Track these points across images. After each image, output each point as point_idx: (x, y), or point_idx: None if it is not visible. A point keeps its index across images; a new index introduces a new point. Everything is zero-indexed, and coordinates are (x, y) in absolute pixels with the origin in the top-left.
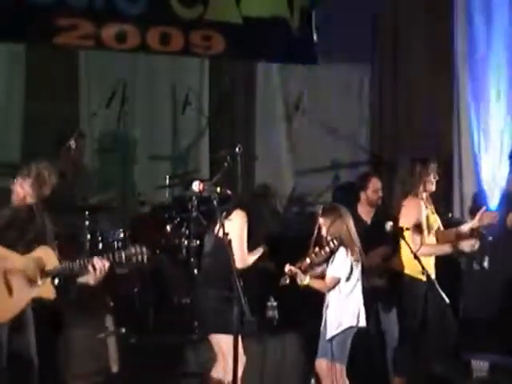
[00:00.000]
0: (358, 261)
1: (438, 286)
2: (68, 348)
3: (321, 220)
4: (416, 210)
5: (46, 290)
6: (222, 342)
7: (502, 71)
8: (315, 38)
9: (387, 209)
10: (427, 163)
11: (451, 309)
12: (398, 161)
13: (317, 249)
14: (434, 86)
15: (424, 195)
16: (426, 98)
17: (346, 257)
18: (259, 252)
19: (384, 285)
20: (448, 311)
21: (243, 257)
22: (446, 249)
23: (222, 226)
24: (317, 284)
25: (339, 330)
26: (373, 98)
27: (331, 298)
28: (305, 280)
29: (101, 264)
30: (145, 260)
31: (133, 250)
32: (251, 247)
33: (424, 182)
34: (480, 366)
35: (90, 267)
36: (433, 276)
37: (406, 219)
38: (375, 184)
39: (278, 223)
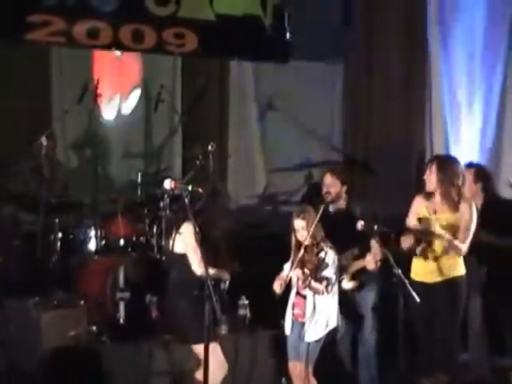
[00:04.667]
0: (338, 260)
1: (408, 285)
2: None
3: (296, 223)
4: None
5: None
6: (201, 351)
7: (476, 70)
8: (288, 36)
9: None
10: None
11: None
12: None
13: (303, 252)
14: (407, 85)
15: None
16: (400, 96)
17: (334, 256)
18: (223, 274)
19: (356, 286)
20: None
21: (199, 263)
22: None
23: (176, 238)
24: (317, 287)
25: (325, 332)
26: (346, 97)
27: (318, 300)
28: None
29: None
30: None
31: None
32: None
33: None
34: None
35: None
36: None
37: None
38: (325, 179)
39: (230, 222)
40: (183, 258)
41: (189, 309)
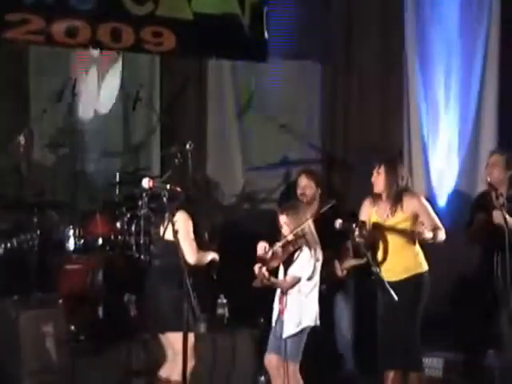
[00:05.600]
0: (318, 260)
1: (386, 283)
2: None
3: (280, 218)
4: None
5: None
6: (175, 341)
7: (453, 69)
8: (266, 35)
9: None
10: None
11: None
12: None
13: (278, 247)
14: (385, 85)
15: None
16: (378, 95)
17: (310, 257)
18: (211, 255)
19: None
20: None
21: (193, 252)
22: None
23: (168, 227)
24: (278, 282)
25: (298, 329)
26: (324, 96)
27: (290, 297)
28: (268, 280)
29: None
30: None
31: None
32: (199, 245)
33: None
34: (434, 363)
35: None
36: (403, 276)
37: None
38: (300, 180)
39: (222, 217)
40: (173, 245)
41: (170, 296)
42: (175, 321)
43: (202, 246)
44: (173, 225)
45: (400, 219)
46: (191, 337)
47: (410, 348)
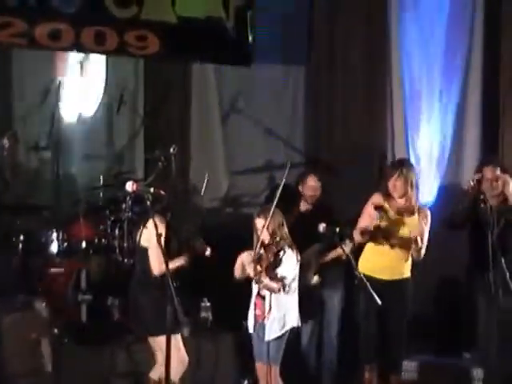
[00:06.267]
0: (298, 261)
1: (369, 287)
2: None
3: (257, 222)
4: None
5: None
6: (163, 343)
7: (436, 73)
8: (250, 38)
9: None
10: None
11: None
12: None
13: (262, 250)
14: (369, 88)
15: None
16: (362, 97)
17: (292, 256)
18: (180, 261)
19: (318, 283)
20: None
21: (158, 264)
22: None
23: (142, 232)
24: (269, 284)
25: (283, 331)
26: (308, 99)
27: (274, 299)
28: (263, 281)
29: None
30: None
31: None
32: (173, 251)
33: None
34: (409, 366)
35: None
36: (404, 276)
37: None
38: (309, 181)
39: (201, 221)
40: (147, 252)
41: (151, 300)
42: (162, 324)
43: (179, 251)
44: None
45: (413, 222)
46: (178, 342)
47: (393, 349)
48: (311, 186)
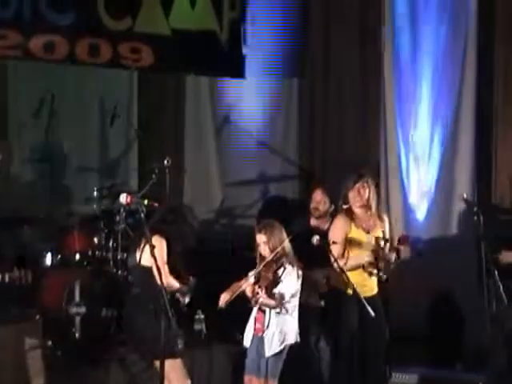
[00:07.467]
0: (300, 277)
1: (364, 300)
2: None
3: (258, 238)
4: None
5: None
6: (170, 364)
7: (428, 83)
8: (244, 51)
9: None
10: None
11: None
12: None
13: (262, 268)
14: (362, 101)
15: (357, 210)
16: (355, 111)
17: (293, 273)
18: (179, 287)
19: (321, 303)
20: (375, 325)
21: (165, 277)
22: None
23: (144, 252)
24: (267, 301)
25: (282, 347)
26: (302, 112)
27: (273, 315)
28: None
29: None
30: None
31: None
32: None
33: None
34: (408, 379)
35: None
36: (374, 292)
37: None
38: (315, 195)
39: (194, 240)
40: (150, 271)
41: (150, 324)
42: (158, 348)
43: (174, 270)
44: (151, 248)
45: (378, 234)
46: (179, 362)
47: (379, 363)
48: (314, 198)
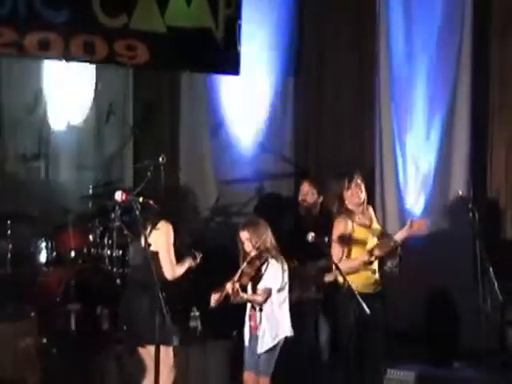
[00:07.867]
0: (285, 270)
1: (359, 296)
2: None
3: (241, 234)
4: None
5: None
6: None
7: (422, 88)
8: (239, 48)
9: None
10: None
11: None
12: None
13: (245, 265)
14: (358, 101)
15: (354, 209)
16: (350, 112)
17: (277, 267)
18: (188, 263)
19: (320, 297)
20: (370, 322)
21: (172, 268)
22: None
23: (146, 238)
24: (252, 297)
25: (275, 342)
26: (297, 110)
27: (264, 312)
28: (243, 297)
29: None
30: None
31: None
32: (177, 257)
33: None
34: (403, 375)
35: None
36: (379, 289)
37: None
38: (302, 187)
39: (201, 230)
40: (154, 257)
41: (147, 308)
42: (157, 333)
43: (180, 257)
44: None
45: (377, 226)
46: (170, 350)
47: (377, 361)
48: (302, 190)
